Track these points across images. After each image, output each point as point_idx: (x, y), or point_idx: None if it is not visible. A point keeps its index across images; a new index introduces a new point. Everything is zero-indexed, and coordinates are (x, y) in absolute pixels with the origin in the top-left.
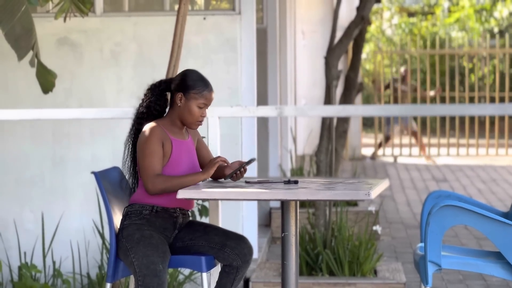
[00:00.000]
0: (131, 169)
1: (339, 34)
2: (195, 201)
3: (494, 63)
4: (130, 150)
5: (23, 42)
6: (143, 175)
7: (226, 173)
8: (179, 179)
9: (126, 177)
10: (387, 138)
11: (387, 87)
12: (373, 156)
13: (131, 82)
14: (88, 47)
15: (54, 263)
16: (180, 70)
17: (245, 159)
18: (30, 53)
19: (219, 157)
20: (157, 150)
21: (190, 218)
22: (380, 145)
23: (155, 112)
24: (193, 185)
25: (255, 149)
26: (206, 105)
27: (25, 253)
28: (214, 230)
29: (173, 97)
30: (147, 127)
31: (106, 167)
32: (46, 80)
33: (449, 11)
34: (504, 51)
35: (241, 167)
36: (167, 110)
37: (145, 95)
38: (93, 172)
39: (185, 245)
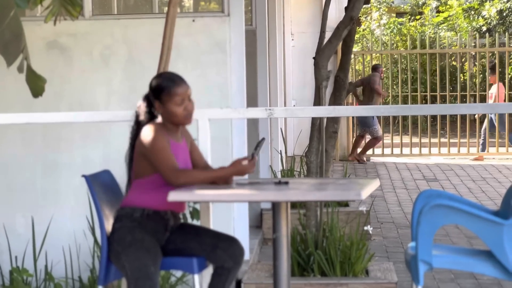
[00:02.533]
0: (129, 172)
1: (328, 35)
2: (186, 204)
3: (484, 62)
4: (130, 158)
5: (12, 47)
6: (162, 170)
7: None
8: (202, 173)
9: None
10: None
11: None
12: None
13: (121, 85)
14: (77, 51)
15: (46, 267)
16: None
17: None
18: (19, 58)
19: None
20: (166, 145)
21: (182, 221)
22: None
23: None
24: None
25: (245, 151)
26: (184, 98)
27: (16, 258)
28: (205, 232)
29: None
30: (149, 127)
31: (97, 170)
32: (36, 84)
33: (438, 11)
34: (493, 50)
35: (256, 149)
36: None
37: (136, 111)
38: (84, 176)
39: (177, 247)
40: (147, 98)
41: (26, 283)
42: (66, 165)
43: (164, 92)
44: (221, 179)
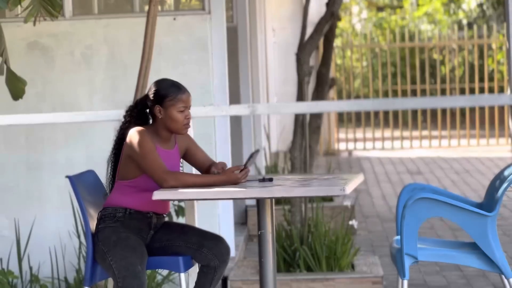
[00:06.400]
0: (111, 177)
1: (309, 30)
2: (171, 202)
3: (464, 55)
4: (113, 161)
5: None
6: (151, 172)
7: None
8: (193, 177)
9: (105, 184)
10: None
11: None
12: None
13: (103, 84)
14: (59, 51)
15: (31, 268)
16: (152, 71)
17: (219, 159)
18: None
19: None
20: (153, 147)
21: (166, 219)
22: None
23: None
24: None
25: (229, 148)
26: (186, 107)
27: (1, 260)
28: (191, 230)
29: (153, 111)
30: (135, 130)
31: (81, 170)
32: (16, 87)
33: (418, 4)
34: (473, 43)
35: (249, 159)
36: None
37: (124, 117)
38: (67, 176)
39: (163, 246)
40: (141, 102)
41: (11, 285)
42: (49, 166)
43: (170, 97)
44: (211, 186)
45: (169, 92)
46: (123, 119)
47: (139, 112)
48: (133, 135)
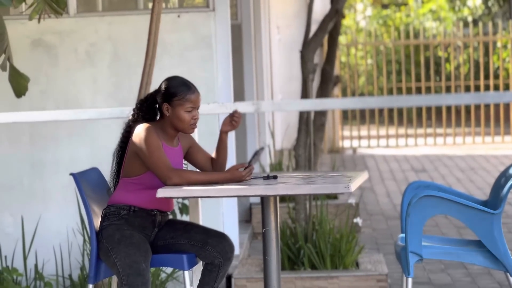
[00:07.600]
0: (115, 172)
1: (313, 27)
2: (175, 200)
3: (469, 52)
4: (118, 156)
5: None
6: (155, 169)
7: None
8: (196, 174)
9: (109, 180)
10: None
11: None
12: None
13: (107, 82)
14: (62, 48)
15: (35, 266)
16: (156, 68)
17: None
18: (2, 58)
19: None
20: (160, 145)
21: (170, 217)
22: None
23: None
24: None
25: (233, 145)
26: (194, 107)
27: (5, 257)
28: (195, 228)
29: (161, 108)
30: (142, 126)
31: (85, 168)
32: (18, 84)
33: (422, 1)
34: (478, 40)
35: (253, 157)
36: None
37: (133, 109)
38: (71, 174)
39: (167, 244)
40: (151, 98)
41: (16, 283)
42: (53, 163)
43: (178, 96)
44: (215, 184)
45: (178, 91)
46: (132, 112)
47: (148, 107)
48: (140, 131)
